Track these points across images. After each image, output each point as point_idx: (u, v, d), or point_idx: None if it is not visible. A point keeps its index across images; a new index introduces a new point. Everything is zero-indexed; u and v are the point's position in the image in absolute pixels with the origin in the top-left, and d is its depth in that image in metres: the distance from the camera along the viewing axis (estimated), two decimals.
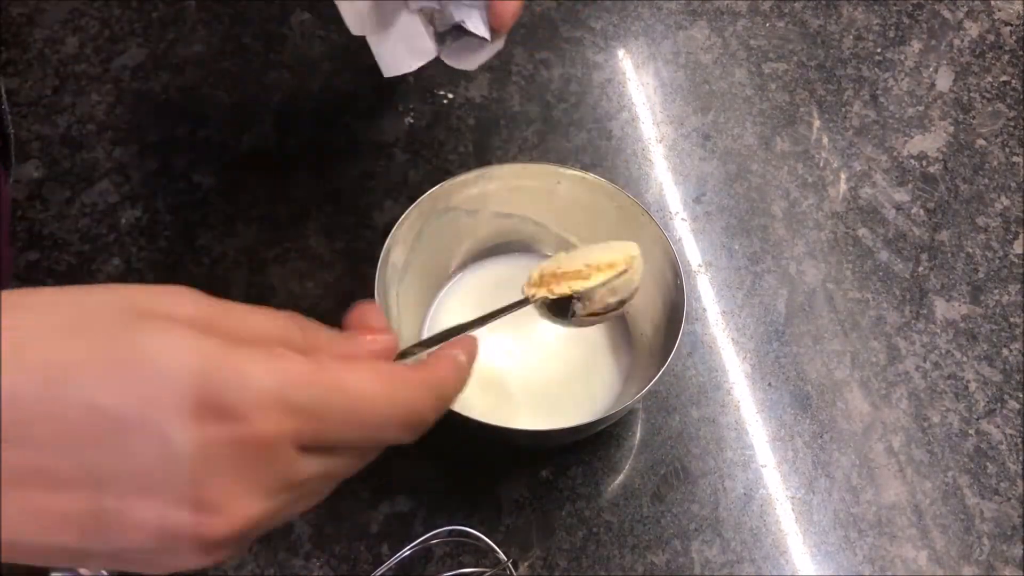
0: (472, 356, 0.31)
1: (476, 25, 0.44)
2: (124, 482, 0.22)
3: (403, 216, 0.47)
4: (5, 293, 0.22)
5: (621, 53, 0.68)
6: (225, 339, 0.23)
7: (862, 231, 0.59)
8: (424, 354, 0.33)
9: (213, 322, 0.24)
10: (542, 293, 0.40)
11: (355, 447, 0.26)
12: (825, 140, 0.63)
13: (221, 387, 0.22)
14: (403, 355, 0.33)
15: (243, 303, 0.25)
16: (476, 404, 0.50)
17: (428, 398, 0.27)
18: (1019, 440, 0.52)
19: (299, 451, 0.24)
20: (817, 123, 0.64)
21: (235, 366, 0.22)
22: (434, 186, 0.49)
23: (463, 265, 0.55)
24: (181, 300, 0.24)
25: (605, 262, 0.40)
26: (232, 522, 0.23)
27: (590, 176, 0.50)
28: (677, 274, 0.47)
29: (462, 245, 0.54)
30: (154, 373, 0.22)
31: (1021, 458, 0.51)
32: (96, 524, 0.22)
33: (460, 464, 0.50)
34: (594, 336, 0.52)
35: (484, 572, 0.46)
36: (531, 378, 0.51)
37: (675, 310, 0.46)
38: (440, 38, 0.45)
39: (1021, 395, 0.53)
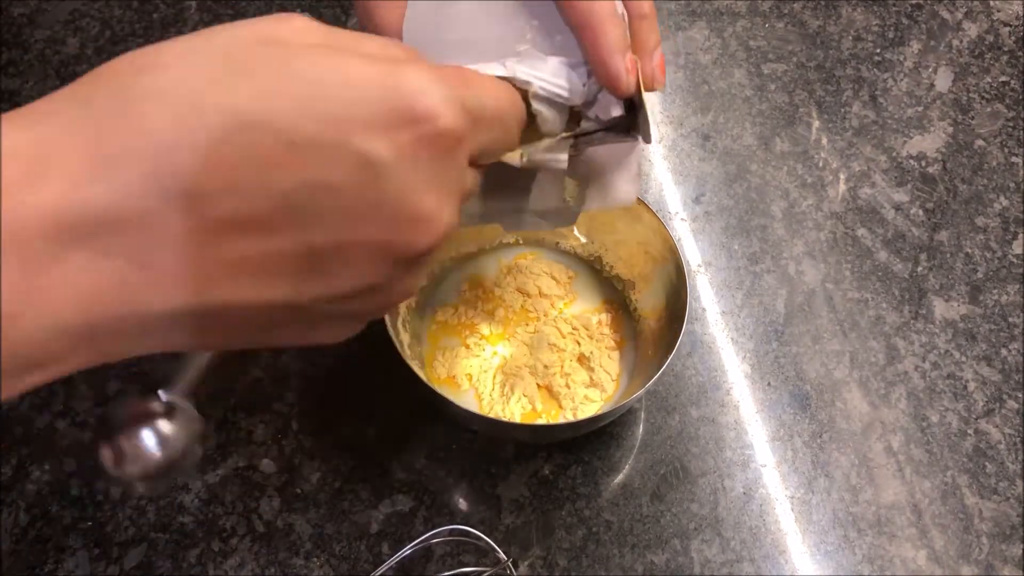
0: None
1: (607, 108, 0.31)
2: (333, 213, 0.22)
3: None
4: (129, 56, 0.22)
5: None
6: (382, 59, 0.23)
7: (861, 231, 0.59)
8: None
9: (348, 46, 0.24)
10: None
11: (495, 150, 0.27)
12: (824, 140, 0.64)
13: (407, 97, 0.22)
14: None
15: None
16: (478, 399, 0.50)
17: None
18: (1018, 440, 0.52)
19: (469, 164, 0.25)
20: (816, 123, 0.64)
21: (410, 78, 0.22)
22: None
23: (463, 263, 0.55)
24: (303, 27, 0.24)
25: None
26: (438, 228, 0.23)
27: None
28: (680, 272, 0.47)
29: (460, 247, 0.54)
30: (340, 96, 0.21)
31: (1020, 458, 0.51)
32: (311, 262, 0.22)
33: (460, 464, 0.50)
34: (596, 333, 0.52)
35: (484, 571, 0.46)
36: (533, 374, 0.51)
37: (678, 308, 0.47)
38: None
39: (1020, 395, 0.53)
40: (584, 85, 0.31)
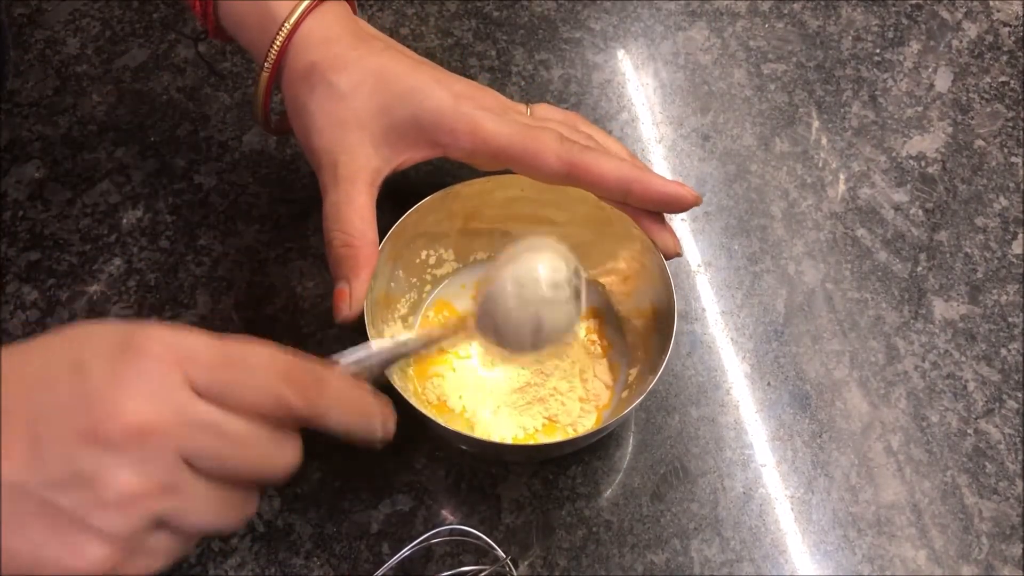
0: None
1: None
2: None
3: (380, 244, 0.47)
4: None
5: (621, 54, 0.68)
6: None
7: (861, 231, 0.59)
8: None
9: None
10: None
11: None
12: (824, 141, 0.64)
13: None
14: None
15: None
16: (470, 423, 0.49)
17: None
18: (1018, 440, 0.52)
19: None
20: (816, 124, 0.64)
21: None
22: (434, 190, 0.49)
23: (441, 281, 0.54)
24: None
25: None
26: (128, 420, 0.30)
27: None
28: (662, 268, 0.46)
29: (438, 267, 0.53)
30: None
31: (1020, 457, 0.51)
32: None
33: (460, 464, 0.50)
34: (584, 341, 0.52)
35: (484, 570, 0.46)
36: (524, 387, 0.50)
37: (666, 307, 0.46)
38: None
39: (1020, 395, 0.53)
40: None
